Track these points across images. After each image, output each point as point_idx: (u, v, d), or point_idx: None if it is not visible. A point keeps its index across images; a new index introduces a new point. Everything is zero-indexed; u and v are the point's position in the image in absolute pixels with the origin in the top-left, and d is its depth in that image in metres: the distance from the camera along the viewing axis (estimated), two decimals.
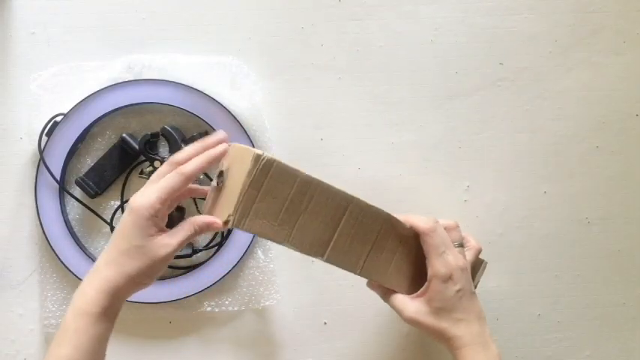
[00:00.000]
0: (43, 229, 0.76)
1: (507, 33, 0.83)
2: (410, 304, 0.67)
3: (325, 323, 0.82)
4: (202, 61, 0.79)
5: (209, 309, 0.79)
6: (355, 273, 0.67)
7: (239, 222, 0.60)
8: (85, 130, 0.76)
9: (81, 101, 0.76)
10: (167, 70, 0.77)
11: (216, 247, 0.79)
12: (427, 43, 0.82)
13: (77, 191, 0.78)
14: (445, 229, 0.69)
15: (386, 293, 0.69)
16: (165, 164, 0.62)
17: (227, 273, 0.78)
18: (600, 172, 0.84)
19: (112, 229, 0.78)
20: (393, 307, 0.68)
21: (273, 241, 0.63)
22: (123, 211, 0.79)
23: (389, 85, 0.82)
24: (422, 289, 0.67)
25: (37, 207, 0.77)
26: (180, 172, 0.60)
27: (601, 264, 0.84)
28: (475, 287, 0.74)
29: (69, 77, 0.78)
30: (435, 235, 0.66)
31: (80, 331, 0.57)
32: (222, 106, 0.77)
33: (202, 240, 0.80)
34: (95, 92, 0.76)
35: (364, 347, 0.82)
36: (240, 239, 0.78)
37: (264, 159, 0.60)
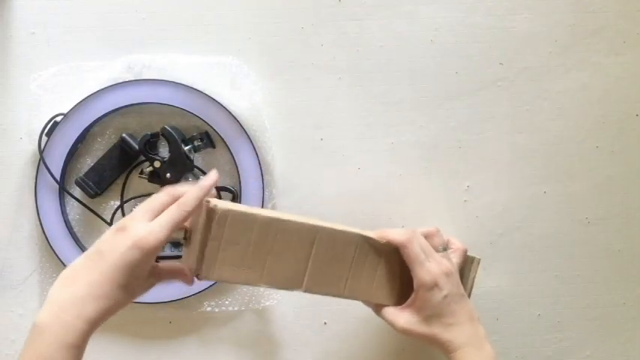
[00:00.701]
0: (43, 229, 0.76)
1: (507, 33, 0.83)
2: (400, 316, 0.68)
3: (325, 323, 0.82)
4: (202, 61, 0.79)
5: (209, 309, 0.79)
6: (339, 297, 0.68)
7: (207, 273, 0.62)
8: (85, 130, 0.76)
9: (81, 101, 0.76)
10: (167, 70, 0.77)
11: None
12: (427, 43, 0.82)
13: (77, 191, 0.78)
14: (425, 236, 0.69)
15: (377, 307, 0.70)
16: (163, 194, 0.60)
17: None
18: (600, 172, 0.84)
19: None
20: (385, 320, 0.69)
21: (247, 284, 0.64)
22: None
23: (389, 85, 0.82)
24: (410, 300, 0.68)
25: (37, 207, 0.77)
26: (183, 208, 0.59)
27: (601, 264, 0.84)
28: (471, 286, 0.74)
29: (69, 77, 0.78)
30: (412, 246, 0.67)
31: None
32: (222, 106, 0.77)
33: None
34: (95, 92, 0.76)
35: (364, 347, 0.82)
36: None
37: (217, 213, 0.60)
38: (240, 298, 0.79)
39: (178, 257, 0.78)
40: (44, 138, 0.76)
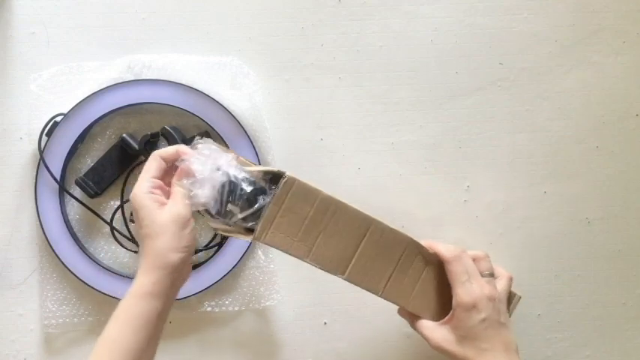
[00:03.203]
0: (43, 229, 0.76)
1: (507, 33, 0.83)
2: (436, 331, 0.67)
3: (325, 323, 0.82)
4: (202, 61, 0.79)
5: (209, 309, 0.79)
6: (377, 294, 0.68)
7: (260, 234, 0.63)
8: (85, 130, 0.76)
9: (81, 101, 0.76)
10: (167, 70, 0.77)
11: (216, 247, 0.79)
12: (427, 43, 0.82)
13: (77, 191, 0.78)
14: (473, 259, 0.68)
15: (413, 319, 0.69)
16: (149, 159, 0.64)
17: (227, 273, 0.78)
18: (600, 172, 0.84)
19: (112, 229, 0.78)
20: (419, 333, 0.69)
21: (294, 256, 0.65)
22: (123, 211, 0.79)
23: (389, 85, 0.82)
24: (447, 317, 0.67)
25: (37, 207, 0.77)
26: (155, 155, 0.63)
27: (601, 264, 0.84)
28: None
29: (69, 77, 0.78)
30: (458, 264, 0.67)
31: (124, 310, 0.59)
32: (222, 106, 0.77)
33: (202, 240, 0.80)
34: (95, 92, 0.76)
35: (364, 347, 0.82)
36: (240, 239, 0.78)
37: (285, 178, 0.63)
38: (240, 298, 0.79)
39: None
40: (44, 138, 0.76)
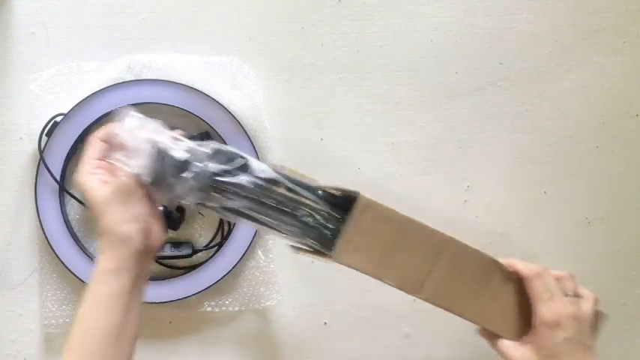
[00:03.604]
0: (43, 229, 0.76)
1: (507, 33, 0.83)
2: (517, 351, 0.65)
3: (325, 323, 0.82)
4: (202, 61, 0.79)
5: (209, 309, 0.79)
6: (457, 314, 0.66)
7: (339, 255, 0.63)
8: (85, 130, 0.76)
9: (81, 101, 0.76)
10: (167, 70, 0.77)
11: (216, 247, 0.79)
12: (427, 43, 0.82)
13: (77, 191, 0.78)
14: (557, 279, 0.66)
15: (493, 338, 0.67)
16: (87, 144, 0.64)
17: (227, 273, 0.78)
18: (600, 172, 0.84)
19: None
20: (499, 352, 0.66)
21: (371, 275, 0.64)
22: None
23: (389, 85, 0.82)
24: (529, 336, 0.65)
25: (37, 207, 0.76)
26: (91, 138, 0.63)
27: (601, 264, 0.84)
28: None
29: (69, 77, 0.78)
30: (539, 281, 0.65)
31: (91, 292, 0.58)
32: (222, 106, 0.77)
33: (202, 240, 0.80)
34: (95, 92, 0.76)
35: (364, 347, 0.82)
36: (240, 239, 0.78)
37: (362, 201, 0.63)
38: (240, 298, 0.79)
39: (178, 257, 0.78)
40: (44, 138, 0.76)
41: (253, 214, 0.61)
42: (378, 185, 0.82)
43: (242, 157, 0.61)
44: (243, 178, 0.60)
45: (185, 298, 0.78)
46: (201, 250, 0.79)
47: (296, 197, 0.62)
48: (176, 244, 0.78)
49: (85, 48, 0.79)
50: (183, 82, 0.76)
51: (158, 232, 0.61)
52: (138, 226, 0.58)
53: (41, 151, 0.76)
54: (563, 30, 0.83)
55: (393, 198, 0.81)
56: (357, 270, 0.64)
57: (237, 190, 0.60)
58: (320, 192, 0.62)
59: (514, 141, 0.83)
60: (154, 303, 0.78)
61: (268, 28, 0.81)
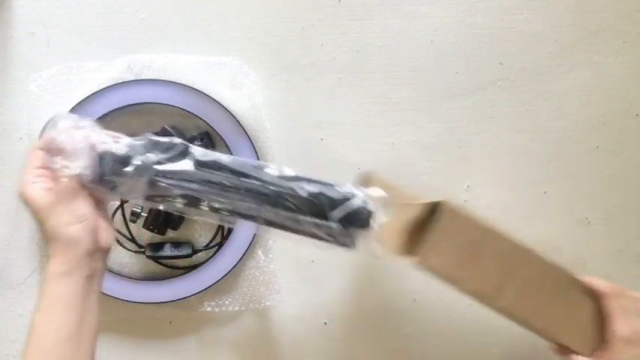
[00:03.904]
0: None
1: (507, 33, 0.83)
2: None
3: (325, 323, 0.82)
4: (202, 61, 0.79)
5: (209, 309, 0.79)
6: (533, 326, 0.66)
7: (424, 258, 0.63)
8: None
9: (81, 101, 0.76)
10: (167, 70, 0.77)
11: (216, 247, 0.79)
12: (427, 43, 0.82)
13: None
14: (635, 299, 0.67)
15: (567, 354, 0.67)
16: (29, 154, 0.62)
17: (227, 273, 0.78)
18: (600, 172, 0.84)
19: None
20: None
21: (449, 282, 0.64)
22: (123, 211, 0.79)
23: (389, 85, 0.82)
24: (603, 351, 0.65)
25: None
26: (33, 147, 0.61)
27: (601, 264, 0.84)
28: None
29: (69, 77, 0.78)
30: (619, 300, 0.66)
31: (44, 296, 0.56)
32: (222, 106, 0.77)
33: (202, 240, 0.80)
34: (95, 92, 0.76)
35: (364, 347, 0.82)
36: (240, 239, 0.78)
37: (448, 206, 0.64)
38: (240, 298, 0.79)
39: (178, 257, 0.78)
40: None
41: (209, 197, 0.60)
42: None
43: (183, 143, 0.60)
44: (186, 162, 0.59)
45: (185, 298, 0.78)
46: (201, 250, 0.79)
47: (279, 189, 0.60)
48: (176, 244, 0.78)
49: (85, 48, 0.79)
50: (183, 82, 0.76)
51: (107, 231, 0.60)
52: (84, 227, 0.57)
53: None
54: (563, 30, 0.83)
55: None
56: (438, 275, 0.64)
57: (183, 175, 0.59)
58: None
59: (514, 141, 0.83)
60: (154, 303, 0.78)
61: (268, 28, 0.81)
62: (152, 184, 0.58)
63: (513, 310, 0.65)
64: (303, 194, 0.59)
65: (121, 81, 0.76)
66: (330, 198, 0.59)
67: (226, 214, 0.60)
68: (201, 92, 0.76)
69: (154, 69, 0.77)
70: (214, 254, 0.79)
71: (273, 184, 0.60)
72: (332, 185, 0.60)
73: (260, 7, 0.81)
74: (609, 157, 0.84)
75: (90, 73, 0.78)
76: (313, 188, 0.60)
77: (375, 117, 0.82)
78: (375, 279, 0.81)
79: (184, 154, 0.60)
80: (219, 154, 0.60)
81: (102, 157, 0.58)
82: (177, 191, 0.59)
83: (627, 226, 0.84)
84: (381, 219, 0.60)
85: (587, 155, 0.84)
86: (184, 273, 0.79)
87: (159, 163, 0.58)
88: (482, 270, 0.65)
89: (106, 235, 0.60)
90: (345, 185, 0.60)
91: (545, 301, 0.67)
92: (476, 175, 0.83)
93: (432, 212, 0.64)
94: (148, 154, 0.59)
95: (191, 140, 0.78)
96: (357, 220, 0.59)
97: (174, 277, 0.78)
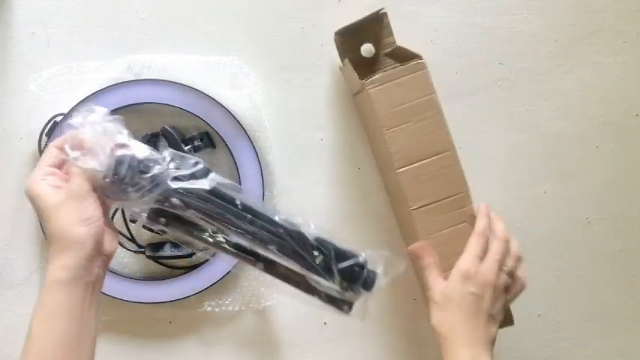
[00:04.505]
0: (43, 229, 0.76)
1: (507, 33, 0.83)
2: (439, 284, 0.67)
3: (325, 323, 0.82)
4: (202, 61, 0.79)
5: (209, 309, 0.79)
6: (410, 209, 0.71)
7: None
8: None
9: (81, 101, 0.76)
10: (167, 70, 0.77)
11: None
12: (427, 43, 0.82)
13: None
14: (503, 252, 0.68)
15: (425, 264, 0.69)
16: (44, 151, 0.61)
17: (227, 273, 0.78)
18: (600, 172, 0.84)
19: None
20: (425, 279, 0.69)
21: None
22: (123, 211, 0.79)
23: None
24: (446, 275, 0.68)
25: None
26: (49, 146, 0.59)
27: (601, 264, 0.84)
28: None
29: (69, 77, 0.78)
30: (481, 240, 0.68)
31: (41, 305, 0.55)
32: (222, 106, 0.77)
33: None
34: (95, 92, 0.76)
35: (364, 347, 0.82)
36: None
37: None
38: (240, 298, 0.79)
39: (178, 257, 0.78)
40: (44, 138, 0.76)
41: (217, 225, 0.58)
42: (378, 185, 0.82)
43: (206, 166, 0.58)
44: (203, 183, 0.57)
45: (185, 298, 0.78)
46: (201, 250, 0.79)
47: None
48: (176, 244, 0.78)
49: (85, 48, 0.79)
50: (183, 82, 0.76)
51: (111, 238, 0.58)
52: (89, 230, 0.55)
53: (41, 151, 0.76)
54: (563, 30, 0.83)
55: None
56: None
57: (197, 196, 0.57)
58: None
59: (514, 141, 0.83)
60: (154, 303, 0.78)
61: (268, 28, 0.81)
62: (164, 198, 0.57)
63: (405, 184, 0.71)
64: (313, 243, 0.59)
65: (121, 81, 0.76)
66: (338, 250, 0.59)
67: (229, 248, 0.59)
68: (201, 92, 0.76)
69: (154, 69, 0.77)
70: (214, 254, 0.78)
71: (283, 227, 0.58)
72: (345, 250, 0.60)
73: (260, 7, 0.81)
74: (609, 157, 0.84)
75: (90, 73, 0.78)
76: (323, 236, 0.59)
77: None
78: None
79: (204, 176, 0.58)
80: (234, 183, 0.59)
81: (121, 159, 0.56)
82: (188, 212, 0.57)
83: (627, 226, 0.84)
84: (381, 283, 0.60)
85: (587, 155, 0.84)
86: (184, 273, 0.78)
87: (177, 178, 0.56)
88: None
89: (110, 242, 0.58)
90: (358, 250, 0.60)
91: (434, 198, 0.72)
92: (476, 175, 0.83)
93: None
94: (168, 166, 0.57)
95: (191, 140, 0.78)
96: (361, 282, 0.59)
97: (174, 277, 0.78)
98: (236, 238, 0.59)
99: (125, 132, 0.58)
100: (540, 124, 0.83)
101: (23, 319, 0.78)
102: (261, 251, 0.59)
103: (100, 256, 0.56)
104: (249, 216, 0.58)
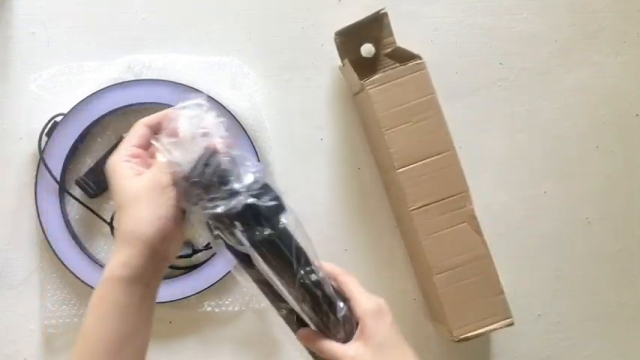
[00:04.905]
0: (43, 229, 0.76)
1: (507, 33, 0.83)
2: (348, 349, 0.57)
3: None
4: (202, 61, 0.79)
5: (209, 309, 0.79)
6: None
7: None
8: (85, 130, 0.76)
9: (81, 101, 0.76)
10: (167, 70, 0.77)
11: None
12: (427, 43, 0.82)
13: (77, 191, 0.78)
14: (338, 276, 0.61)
15: (314, 340, 0.59)
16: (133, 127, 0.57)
17: (227, 273, 0.78)
18: (600, 172, 0.84)
19: (112, 229, 0.78)
20: (328, 355, 0.58)
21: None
22: None
23: None
24: (357, 332, 0.58)
25: (37, 207, 0.76)
26: (139, 122, 0.56)
27: (601, 264, 0.84)
28: None
29: (69, 77, 0.78)
30: (352, 276, 0.61)
31: (99, 300, 0.51)
32: (222, 106, 0.77)
33: (202, 240, 0.80)
34: (95, 92, 0.76)
35: None
36: None
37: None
38: (240, 298, 0.79)
39: (178, 257, 0.78)
40: (44, 138, 0.76)
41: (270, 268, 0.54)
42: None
43: (283, 205, 0.53)
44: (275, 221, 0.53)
45: (185, 298, 0.78)
46: (201, 250, 0.79)
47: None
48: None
49: (85, 48, 0.79)
50: (183, 82, 0.76)
51: (175, 243, 0.54)
52: (160, 230, 0.51)
53: (41, 151, 0.76)
54: (563, 30, 0.83)
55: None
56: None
57: (259, 230, 0.52)
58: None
59: (514, 141, 0.83)
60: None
61: (268, 28, 0.81)
62: (229, 220, 0.52)
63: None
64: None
65: (121, 81, 0.76)
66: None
67: (264, 287, 0.58)
68: (202, 92, 0.76)
69: (154, 69, 0.77)
70: (214, 254, 0.79)
71: (321, 289, 0.56)
72: None
73: (260, 7, 0.81)
74: (609, 157, 0.84)
75: (90, 73, 0.78)
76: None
77: None
78: (375, 279, 0.81)
79: (277, 213, 0.53)
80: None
81: (207, 163, 0.51)
82: (243, 243, 0.53)
83: (627, 226, 0.84)
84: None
85: (587, 155, 0.84)
86: (184, 273, 0.79)
87: (252, 205, 0.51)
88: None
89: (173, 248, 0.54)
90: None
91: (442, 221, 0.72)
92: (476, 175, 0.83)
93: None
94: (249, 187, 0.51)
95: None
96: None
97: (175, 277, 0.78)
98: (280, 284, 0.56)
99: (225, 135, 0.54)
100: (540, 124, 0.83)
101: (23, 319, 0.79)
102: (291, 301, 0.57)
103: (160, 259, 0.52)
104: (302, 272, 0.54)
